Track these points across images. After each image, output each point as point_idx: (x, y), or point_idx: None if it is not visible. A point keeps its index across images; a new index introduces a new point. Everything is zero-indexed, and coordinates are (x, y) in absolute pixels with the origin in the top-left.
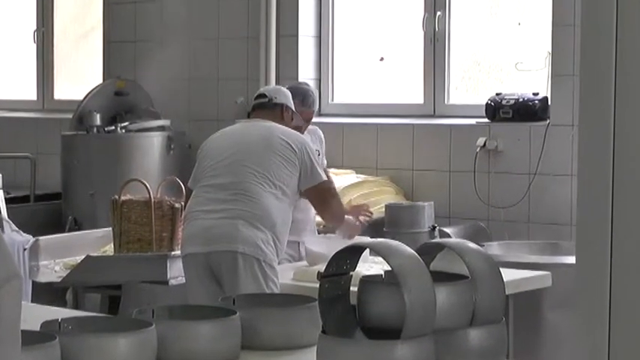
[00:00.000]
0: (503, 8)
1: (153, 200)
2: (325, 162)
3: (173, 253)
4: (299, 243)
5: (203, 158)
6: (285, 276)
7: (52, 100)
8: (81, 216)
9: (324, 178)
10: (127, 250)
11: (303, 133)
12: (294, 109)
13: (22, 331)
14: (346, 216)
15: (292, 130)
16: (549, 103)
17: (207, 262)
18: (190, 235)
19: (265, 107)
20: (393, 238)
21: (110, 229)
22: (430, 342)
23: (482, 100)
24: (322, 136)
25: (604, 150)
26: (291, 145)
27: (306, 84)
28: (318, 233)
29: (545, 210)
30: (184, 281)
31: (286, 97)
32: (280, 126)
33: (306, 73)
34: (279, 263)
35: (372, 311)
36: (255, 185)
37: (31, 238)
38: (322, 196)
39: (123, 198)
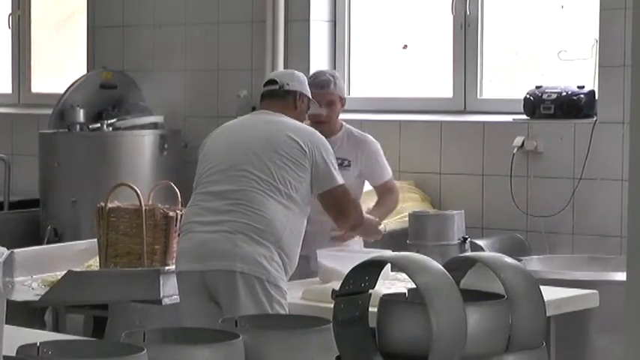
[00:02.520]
0: None
1: (144, 208)
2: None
3: (167, 268)
4: (308, 257)
5: (202, 160)
6: (294, 295)
7: (29, 93)
8: (62, 226)
9: (340, 181)
10: (115, 265)
11: (335, 124)
12: (310, 96)
13: None
14: (366, 216)
15: (305, 127)
16: (596, 97)
17: (203, 281)
18: (184, 251)
19: (275, 96)
20: (418, 252)
21: (95, 240)
22: None
23: (520, 95)
24: (373, 150)
25: None
26: (300, 145)
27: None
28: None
29: (592, 219)
30: (179, 300)
31: (300, 82)
32: (291, 121)
33: (318, 63)
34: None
35: (393, 335)
36: (258, 193)
37: (5, 251)
38: (337, 202)
39: (110, 205)
